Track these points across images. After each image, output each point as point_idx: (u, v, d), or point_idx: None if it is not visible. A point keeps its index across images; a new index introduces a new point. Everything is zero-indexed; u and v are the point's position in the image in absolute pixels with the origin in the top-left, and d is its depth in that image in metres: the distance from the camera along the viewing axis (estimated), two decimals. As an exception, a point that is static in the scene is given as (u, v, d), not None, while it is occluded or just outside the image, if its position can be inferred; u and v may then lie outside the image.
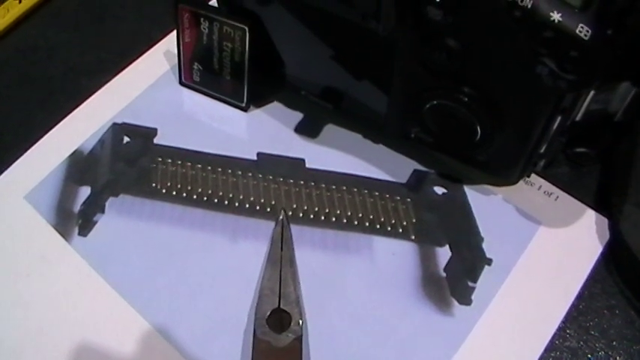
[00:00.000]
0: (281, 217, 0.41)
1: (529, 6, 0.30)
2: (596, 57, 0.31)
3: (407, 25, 0.34)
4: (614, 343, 0.38)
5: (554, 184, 0.43)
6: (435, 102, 0.38)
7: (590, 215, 0.42)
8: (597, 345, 0.38)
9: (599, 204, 0.42)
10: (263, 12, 0.42)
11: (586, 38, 0.30)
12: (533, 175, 0.43)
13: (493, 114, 0.37)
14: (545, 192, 0.43)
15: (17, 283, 0.40)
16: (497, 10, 0.31)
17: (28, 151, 0.46)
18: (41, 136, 0.47)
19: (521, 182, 0.43)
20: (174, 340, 0.38)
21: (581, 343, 0.38)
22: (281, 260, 0.39)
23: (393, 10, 0.33)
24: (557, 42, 0.30)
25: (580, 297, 0.39)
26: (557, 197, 0.42)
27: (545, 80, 0.32)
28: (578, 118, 0.38)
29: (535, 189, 0.43)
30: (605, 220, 0.41)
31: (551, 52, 0.31)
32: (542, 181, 0.43)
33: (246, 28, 0.42)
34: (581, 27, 0.30)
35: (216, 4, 0.44)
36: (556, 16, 0.30)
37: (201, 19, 0.44)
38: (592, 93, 0.37)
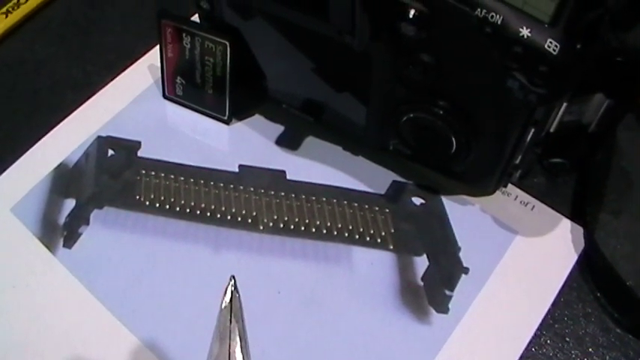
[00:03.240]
0: (229, 286, 0.40)
1: (499, 22, 0.31)
2: (565, 71, 0.32)
3: (382, 41, 0.35)
4: (590, 350, 0.38)
5: (530, 194, 0.44)
6: (411, 115, 0.39)
7: (566, 224, 0.43)
8: (573, 352, 0.38)
9: (575, 213, 0.43)
10: (244, 27, 0.42)
11: (555, 53, 0.31)
12: (509, 186, 0.44)
13: (468, 126, 0.37)
14: (521, 202, 0.43)
15: (3, 294, 0.41)
16: (469, 26, 0.32)
17: (14, 164, 0.46)
18: (27, 149, 0.47)
19: (497, 192, 0.43)
20: (159, 351, 0.38)
21: (557, 350, 0.38)
22: (230, 335, 0.38)
23: (368, 26, 0.34)
24: (527, 57, 0.31)
25: (556, 304, 0.40)
26: (534, 207, 0.43)
27: (516, 94, 0.33)
28: (552, 129, 0.39)
29: (511, 199, 0.43)
30: (581, 229, 0.42)
31: (521, 67, 0.32)
32: (518, 191, 0.44)
33: (227, 43, 0.43)
34: (550, 42, 0.31)
35: (198, 20, 0.45)
36: (525, 32, 0.31)
37: (184, 35, 0.44)
38: (565, 105, 0.38)
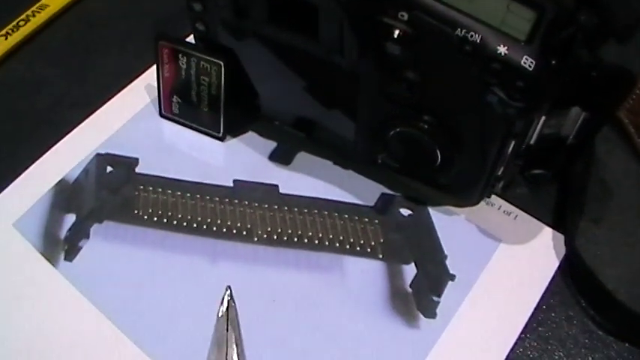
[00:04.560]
0: (226, 296, 0.41)
1: (478, 41, 0.33)
2: (541, 85, 0.33)
3: (369, 60, 0.36)
4: (573, 351, 0.40)
5: (513, 204, 0.45)
6: (398, 129, 0.40)
7: (548, 232, 0.44)
8: (556, 354, 0.40)
9: (556, 222, 0.44)
10: (238, 48, 0.43)
11: (530, 69, 0.32)
12: (493, 196, 0.45)
13: (451, 140, 0.39)
14: (504, 211, 0.45)
15: (6, 307, 0.42)
16: (450, 44, 0.33)
17: (16, 181, 0.47)
18: (28, 166, 0.48)
19: (482, 203, 0.45)
20: (159, 358, 0.39)
21: (541, 352, 0.40)
22: (227, 342, 0.39)
23: (356, 46, 0.36)
24: (504, 73, 0.33)
25: (539, 308, 0.41)
26: (517, 216, 0.45)
27: (496, 108, 0.34)
28: (532, 141, 0.40)
29: (495, 209, 0.45)
30: (562, 237, 0.44)
31: (499, 82, 0.33)
32: (501, 201, 0.45)
33: (222, 64, 0.44)
34: (526, 58, 0.32)
35: (193, 41, 0.46)
36: (502, 50, 0.33)
37: (180, 55, 0.46)
38: (543, 118, 0.39)
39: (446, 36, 0.33)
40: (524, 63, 0.32)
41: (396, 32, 0.34)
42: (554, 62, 0.33)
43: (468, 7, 0.33)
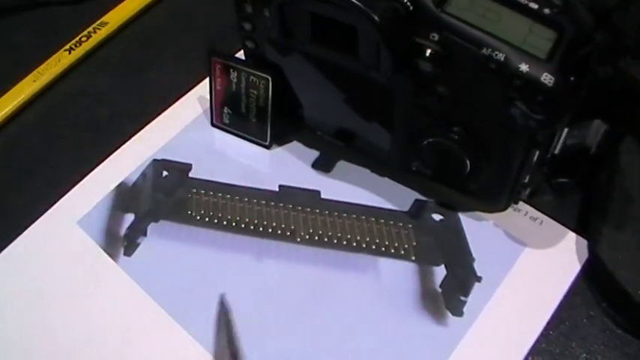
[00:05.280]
0: (220, 299, 0.43)
1: (502, 59, 0.35)
2: (560, 100, 0.36)
3: (403, 75, 0.39)
4: (593, 347, 0.41)
5: (539, 210, 0.47)
6: (430, 139, 0.42)
7: (571, 237, 0.46)
8: (577, 350, 0.41)
9: (580, 227, 0.46)
10: (284, 63, 0.46)
11: (550, 85, 0.35)
12: (520, 203, 0.47)
13: (479, 149, 0.41)
14: (530, 217, 0.46)
15: (71, 298, 0.45)
16: (476, 62, 0.36)
17: (80, 183, 0.50)
18: (91, 170, 0.51)
19: (509, 209, 0.46)
20: (209, 345, 0.42)
21: (563, 347, 0.41)
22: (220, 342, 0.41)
23: (391, 63, 0.38)
24: (526, 88, 0.35)
25: (561, 308, 0.43)
26: (542, 222, 0.46)
27: (518, 120, 0.37)
28: (557, 151, 0.42)
29: (522, 215, 0.47)
30: (585, 242, 0.45)
31: (521, 97, 0.36)
32: (528, 207, 0.47)
33: (270, 78, 0.47)
34: (546, 75, 0.35)
35: (243, 57, 0.48)
36: (524, 67, 0.35)
37: (231, 70, 0.48)
38: (566, 130, 0.41)
39: (472, 55, 0.36)
40: (544, 79, 0.35)
41: (428, 51, 0.37)
42: (572, 78, 0.35)
43: (493, 28, 0.36)
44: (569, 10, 0.37)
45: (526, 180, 0.43)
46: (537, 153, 0.41)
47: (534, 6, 0.37)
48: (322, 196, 0.49)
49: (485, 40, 0.36)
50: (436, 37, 0.37)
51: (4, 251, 0.47)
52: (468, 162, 0.42)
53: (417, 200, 0.48)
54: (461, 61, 0.37)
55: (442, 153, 0.43)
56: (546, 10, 0.36)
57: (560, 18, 0.36)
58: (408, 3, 0.37)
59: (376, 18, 0.36)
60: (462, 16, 0.37)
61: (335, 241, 0.46)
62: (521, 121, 0.37)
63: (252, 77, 0.48)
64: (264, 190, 0.49)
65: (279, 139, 0.52)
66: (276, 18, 0.41)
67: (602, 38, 0.37)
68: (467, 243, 0.46)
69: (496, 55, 0.36)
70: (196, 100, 0.55)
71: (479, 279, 0.44)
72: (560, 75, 0.35)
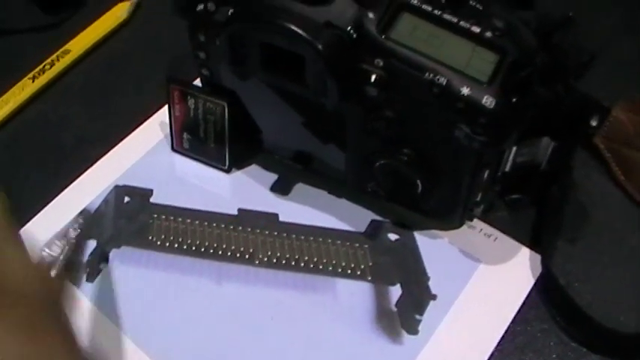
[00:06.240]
0: None
1: (444, 83, 0.36)
2: (501, 121, 0.37)
3: (351, 101, 0.40)
4: None
5: (494, 227, 0.48)
6: (382, 161, 0.43)
7: (525, 252, 0.46)
8: None
9: (534, 242, 0.47)
10: (240, 89, 0.46)
11: (491, 107, 0.36)
12: (475, 220, 0.48)
13: (429, 170, 0.42)
14: (485, 234, 0.47)
15: None
16: (420, 86, 0.37)
17: (43, 210, 0.51)
18: (54, 197, 0.51)
19: (464, 226, 0.47)
20: None
21: None
22: None
23: (337, 90, 0.39)
24: (468, 111, 0.36)
25: (516, 322, 0.43)
26: (496, 238, 0.47)
27: (463, 141, 0.38)
28: (507, 169, 0.43)
29: (476, 231, 0.47)
30: (538, 256, 0.46)
31: (464, 119, 0.37)
32: (483, 224, 0.48)
33: (225, 104, 0.48)
34: (487, 98, 0.36)
35: (200, 84, 0.49)
36: (466, 90, 0.36)
37: (188, 97, 0.49)
38: (515, 148, 0.42)
39: (416, 79, 0.37)
40: (485, 102, 0.36)
41: (373, 77, 0.38)
42: (514, 100, 0.37)
43: (436, 53, 0.37)
44: (511, 32, 0.38)
45: (478, 198, 0.44)
46: (487, 172, 0.42)
47: (477, 29, 0.38)
48: (280, 218, 0.49)
49: (427, 65, 0.37)
50: (380, 62, 0.38)
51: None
52: (419, 182, 0.43)
53: (373, 221, 0.49)
54: (405, 86, 0.38)
55: (394, 174, 0.43)
56: (488, 34, 0.38)
57: (501, 41, 0.37)
58: (352, 31, 0.38)
59: (320, 47, 0.37)
60: (405, 42, 0.38)
61: (293, 263, 0.47)
62: (466, 142, 0.38)
63: (208, 103, 0.49)
64: (224, 214, 0.50)
65: (238, 162, 0.53)
66: (227, 47, 0.41)
67: (544, 59, 0.38)
68: (422, 262, 0.46)
69: (438, 79, 0.37)
70: (158, 125, 0.56)
71: (434, 297, 0.45)
72: (502, 97, 0.36)
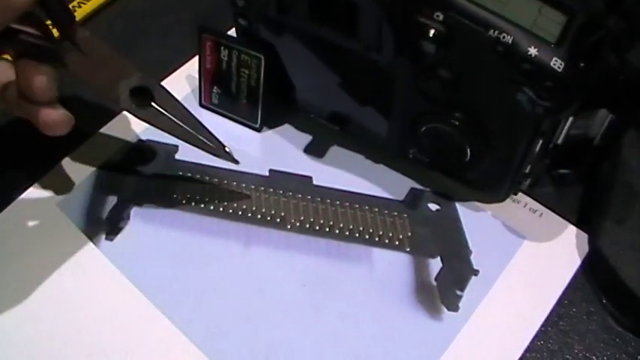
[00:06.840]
0: None
1: (510, 42, 0.34)
2: (569, 86, 0.35)
3: (405, 57, 0.38)
4: (592, 345, 0.40)
5: (539, 202, 0.46)
6: (429, 125, 0.41)
7: (572, 230, 0.45)
8: (576, 347, 0.40)
9: (580, 221, 0.45)
10: (277, 42, 0.45)
11: (559, 70, 0.34)
12: (520, 194, 0.46)
13: (481, 137, 0.40)
14: (530, 209, 0.45)
15: (50, 283, 0.43)
16: (483, 45, 0.35)
17: (60, 162, 0.49)
18: (74, 148, 0.49)
19: (508, 200, 0.45)
20: (191, 334, 0.41)
21: (561, 345, 0.40)
22: None
23: (393, 44, 0.37)
24: (534, 73, 0.34)
25: (560, 304, 0.42)
26: (542, 214, 0.45)
27: (525, 106, 0.36)
28: (559, 141, 0.41)
29: (521, 206, 0.46)
30: (585, 236, 0.44)
31: (529, 82, 0.35)
32: (527, 199, 0.46)
33: (262, 57, 0.46)
34: (555, 60, 0.34)
35: (235, 35, 0.47)
36: (533, 51, 0.34)
37: (222, 48, 0.47)
38: (571, 119, 0.40)
39: (479, 36, 0.34)
40: (554, 64, 0.34)
41: (432, 32, 0.35)
42: (582, 65, 0.34)
43: (501, 9, 0.35)
44: (580, -7, 0.35)
45: (527, 170, 0.42)
46: (540, 142, 0.40)
47: (543, -13, 0.35)
48: (314, 182, 0.48)
49: (492, 22, 0.34)
50: (441, 16, 0.35)
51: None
52: (468, 150, 0.41)
53: (412, 189, 0.47)
54: (466, 43, 0.35)
55: (441, 140, 0.41)
56: (555, -7, 0.35)
57: (570, 1, 0.35)
58: (413, -21, 0.35)
59: (380, -7, 0.35)
60: (468, -5, 0.35)
61: (327, 229, 0.45)
62: (528, 108, 0.36)
63: (243, 56, 0.47)
64: (254, 174, 0.48)
65: (271, 121, 0.51)
66: (273, -7, 0.39)
67: (614, 24, 0.36)
68: (464, 234, 0.45)
69: (504, 37, 0.34)
70: (184, 79, 0.54)
71: (476, 272, 0.43)
72: (570, 60, 0.34)
